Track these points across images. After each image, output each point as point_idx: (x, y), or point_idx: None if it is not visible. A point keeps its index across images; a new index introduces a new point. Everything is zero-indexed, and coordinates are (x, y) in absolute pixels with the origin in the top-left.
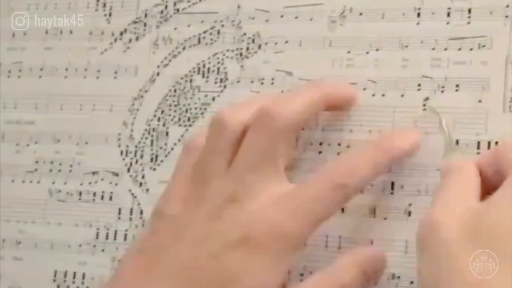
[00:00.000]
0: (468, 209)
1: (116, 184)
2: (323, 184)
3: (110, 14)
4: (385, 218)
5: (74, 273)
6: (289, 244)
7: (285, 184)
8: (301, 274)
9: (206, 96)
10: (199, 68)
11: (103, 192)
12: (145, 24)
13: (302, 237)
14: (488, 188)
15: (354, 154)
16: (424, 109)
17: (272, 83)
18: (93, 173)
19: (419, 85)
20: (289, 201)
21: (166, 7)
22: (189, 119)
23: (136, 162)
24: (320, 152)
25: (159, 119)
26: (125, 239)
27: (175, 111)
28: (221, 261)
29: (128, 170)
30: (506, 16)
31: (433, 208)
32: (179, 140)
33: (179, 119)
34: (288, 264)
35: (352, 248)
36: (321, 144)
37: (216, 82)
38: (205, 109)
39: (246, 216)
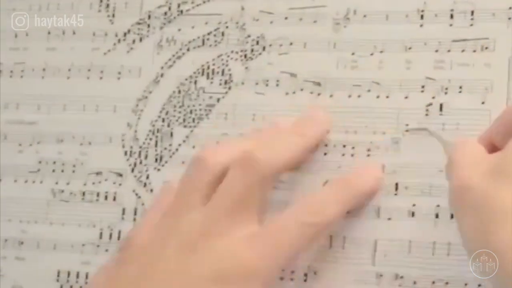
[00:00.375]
0: (487, 160)
1: (120, 185)
2: (291, 223)
3: (113, 15)
4: (389, 219)
5: (77, 273)
6: (258, 282)
7: (255, 226)
8: (305, 274)
9: (210, 97)
10: (203, 70)
11: (106, 192)
12: (148, 25)
13: (271, 275)
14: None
15: (321, 192)
16: (407, 130)
17: (277, 85)
18: (97, 173)
19: (422, 86)
20: (259, 240)
21: (169, 8)
22: (193, 120)
23: (141, 162)
24: (325, 154)
25: (163, 120)
26: None
27: (179, 112)
28: None
29: (132, 170)
30: (509, 18)
31: (455, 175)
32: (183, 141)
33: (184, 120)
34: None
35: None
36: (326, 145)
37: (220, 84)
38: (209, 110)
39: (219, 252)
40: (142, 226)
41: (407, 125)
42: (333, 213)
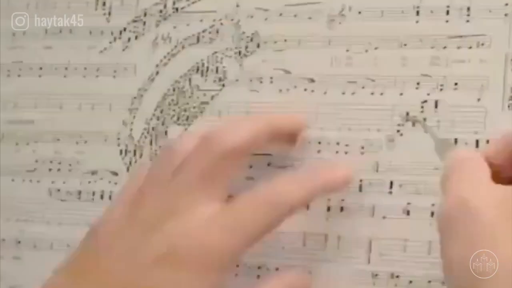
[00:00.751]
0: (499, 191)
1: (115, 183)
2: (253, 204)
3: (109, 13)
4: (384, 217)
5: None
6: (215, 262)
7: (217, 204)
8: None
9: (205, 95)
10: (198, 67)
11: (102, 191)
12: (144, 23)
13: (230, 256)
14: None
15: (287, 177)
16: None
17: (271, 82)
18: (93, 172)
19: (418, 83)
20: (219, 219)
21: (165, 6)
22: (188, 118)
23: (136, 161)
24: (318, 151)
25: (158, 118)
26: None
27: (174, 110)
28: (146, 274)
29: (128, 169)
30: (506, 14)
31: (457, 190)
32: None
33: (178, 118)
34: (215, 282)
35: (279, 273)
36: (319, 143)
37: (215, 81)
38: (204, 108)
39: (174, 230)
40: (108, 216)
41: (407, 113)
42: (296, 198)
